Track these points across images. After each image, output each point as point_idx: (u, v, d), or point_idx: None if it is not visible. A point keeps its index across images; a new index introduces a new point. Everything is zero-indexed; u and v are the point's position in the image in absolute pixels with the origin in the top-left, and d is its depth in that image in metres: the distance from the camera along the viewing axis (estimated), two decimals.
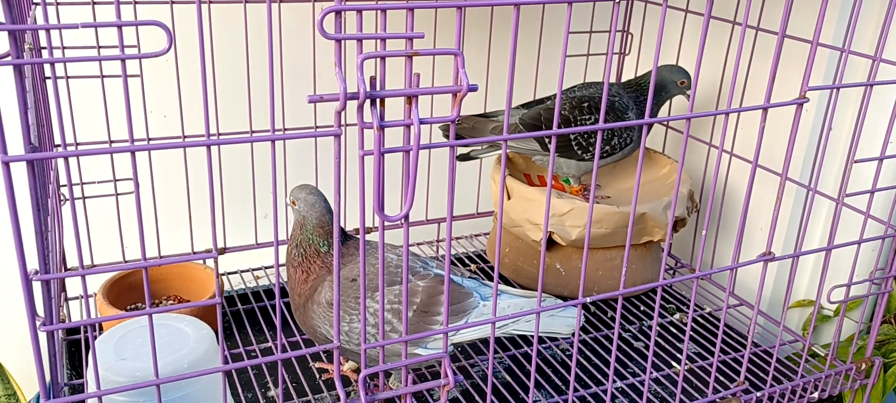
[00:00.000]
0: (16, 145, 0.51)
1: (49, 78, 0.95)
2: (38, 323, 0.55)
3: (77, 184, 1.06)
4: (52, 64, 0.48)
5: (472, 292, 0.89)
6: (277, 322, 0.62)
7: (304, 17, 1.16)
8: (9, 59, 0.47)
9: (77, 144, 1.05)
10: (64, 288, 1.07)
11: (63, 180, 1.04)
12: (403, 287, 0.64)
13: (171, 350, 0.75)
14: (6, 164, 0.48)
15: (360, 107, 0.54)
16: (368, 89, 0.53)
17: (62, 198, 1.03)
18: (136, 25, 0.50)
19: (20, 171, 0.51)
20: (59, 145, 1.04)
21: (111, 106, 1.03)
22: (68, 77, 1.00)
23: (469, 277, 0.94)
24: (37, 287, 0.58)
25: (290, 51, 1.13)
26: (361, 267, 0.60)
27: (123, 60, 0.49)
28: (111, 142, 1.07)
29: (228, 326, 1.11)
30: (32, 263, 0.55)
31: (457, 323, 0.86)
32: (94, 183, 1.06)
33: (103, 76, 1.01)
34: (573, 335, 0.87)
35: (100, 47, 1.01)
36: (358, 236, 0.93)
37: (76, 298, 1.12)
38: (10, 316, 1.22)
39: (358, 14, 0.54)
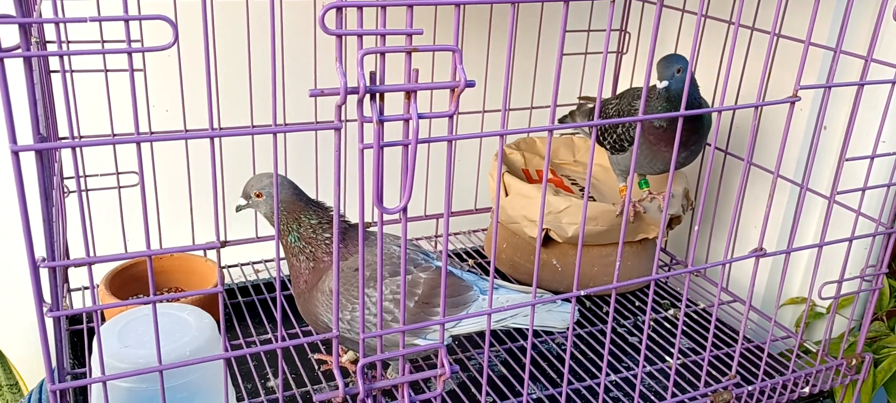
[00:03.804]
0: (22, 137, 0.52)
1: (55, 72, 0.97)
2: (44, 310, 0.56)
3: (81, 177, 1.07)
4: (61, 57, 0.49)
5: (471, 285, 0.91)
6: (278, 313, 0.64)
7: (303, 12, 1.18)
8: (19, 51, 0.48)
9: (80, 137, 1.06)
10: (66, 280, 1.08)
11: (67, 172, 1.06)
12: (401, 278, 0.65)
13: (173, 338, 0.77)
14: (15, 154, 0.50)
15: (360, 102, 0.55)
16: (368, 84, 0.54)
17: (66, 190, 1.04)
18: (143, 19, 0.51)
19: (26, 162, 0.52)
20: (63, 138, 1.05)
21: (112, 100, 1.05)
22: (72, 70, 1.01)
23: (469, 271, 0.95)
24: (43, 275, 0.59)
25: (290, 46, 1.14)
26: (361, 257, 0.62)
27: (130, 54, 0.51)
28: (114, 135, 1.08)
29: (228, 318, 1.12)
30: (40, 251, 0.56)
31: (456, 315, 0.88)
32: (96, 175, 1.08)
33: (107, 70, 1.02)
34: (568, 329, 0.88)
35: (104, 42, 1.02)
36: (357, 226, 0.95)
37: (78, 290, 1.13)
38: (12, 307, 1.23)
39: (358, 10, 0.55)
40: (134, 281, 1.09)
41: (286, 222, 0.88)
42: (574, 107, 1.33)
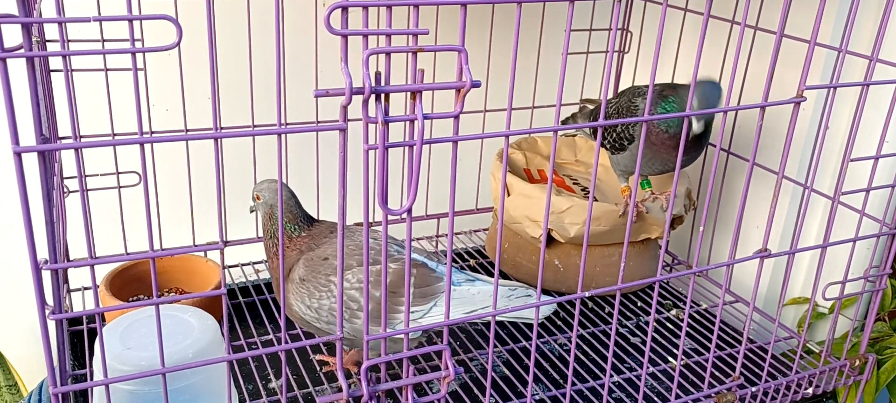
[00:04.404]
0: (24, 138, 0.51)
1: (56, 71, 0.96)
2: (47, 312, 0.56)
3: (82, 177, 1.06)
4: (63, 57, 0.49)
5: (441, 277, 0.91)
6: (282, 317, 0.63)
7: (303, 12, 1.17)
8: (22, 51, 0.48)
9: (80, 137, 1.06)
10: (66, 280, 1.08)
11: (67, 173, 1.05)
12: (406, 271, 0.65)
13: (176, 340, 0.76)
14: (18, 155, 0.49)
15: (365, 102, 0.54)
16: (373, 84, 0.54)
17: (66, 190, 1.03)
18: (146, 19, 0.51)
19: (28, 163, 0.52)
20: (64, 138, 1.05)
21: (112, 99, 1.04)
22: (73, 70, 1.01)
23: (443, 263, 0.95)
24: (45, 277, 0.58)
25: (290, 46, 1.13)
26: (365, 257, 0.61)
27: (133, 54, 0.50)
28: (114, 134, 1.07)
29: (229, 318, 1.11)
30: (41, 253, 0.56)
31: (423, 305, 0.89)
32: (97, 175, 1.07)
33: (107, 69, 1.02)
34: (567, 326, 0.88)
35: (104, 41, 1.02)
36: (326, 221, 0.96)
37: (78, 290, 1.13)
38: (11, 307, 1.23)
39: (364, 10, 0.55)
40: (135, 281, 1.09)
41: (289, 220, 0.92)
42: (576, 109, 1.32)
